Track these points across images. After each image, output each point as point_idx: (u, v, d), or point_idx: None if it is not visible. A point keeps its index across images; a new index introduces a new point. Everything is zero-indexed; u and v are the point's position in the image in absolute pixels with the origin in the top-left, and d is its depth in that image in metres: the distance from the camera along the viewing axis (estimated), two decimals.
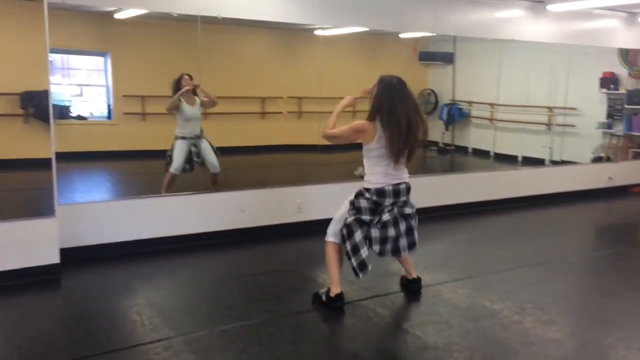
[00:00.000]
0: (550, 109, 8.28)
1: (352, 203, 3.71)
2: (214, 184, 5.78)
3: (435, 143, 9.37)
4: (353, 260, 3.64)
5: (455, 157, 9.27)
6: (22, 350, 3.17)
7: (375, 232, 3.64)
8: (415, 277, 4.12)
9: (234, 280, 4.34)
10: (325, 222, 3.86)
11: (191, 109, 5.66)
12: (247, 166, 7.56)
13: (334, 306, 3.76)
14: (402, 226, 3.73)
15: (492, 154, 8.12)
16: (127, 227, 4.88)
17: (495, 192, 7.14)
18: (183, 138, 5.67)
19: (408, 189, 3.74)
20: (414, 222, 3.82)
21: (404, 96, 3.58)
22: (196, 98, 5.70)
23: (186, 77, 5.61)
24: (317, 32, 6.19)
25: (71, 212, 4.58)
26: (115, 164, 7.19)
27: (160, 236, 5.01)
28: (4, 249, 4.07)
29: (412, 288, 4.11)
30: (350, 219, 3.67)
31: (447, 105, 9.02)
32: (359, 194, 3.71)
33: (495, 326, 3.56)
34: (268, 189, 5.60)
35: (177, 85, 5.62)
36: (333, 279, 3.80)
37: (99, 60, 7.45)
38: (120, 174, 7.23)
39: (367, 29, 6.47)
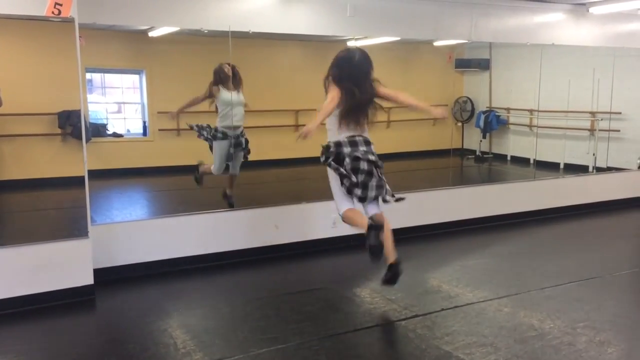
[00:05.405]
0: (592, 113, 7.97)
1: (325, 161, 3.95)
2: (231, 186, 5.57)
3: (473, 151, 9.15)
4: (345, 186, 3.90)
5: (493, 166, 9.04)
6: None
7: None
8: (393, 261, 3.90)
9: (269, 299, 4.23)
10: (362, 237, 3.74)
11: (229, 95, 5.46)
12: (281, 180, 7.49)
13: (373, 235, 3.72)
14: (365, 177, 3.86)
15: (532, 161, 7.86)
16: (161, 246, 4.84)
17: (538, 201, 6.88)
18: (224, 136, 5.52)
19: (366, 141, 3.95)
20: (381, 173, 3.96)
21: (353, 66, 3.90)
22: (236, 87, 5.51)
23: (227, 67, 5.40)
24: (349, 43, 6.09)
25: (105, 232, 4.56)
26: (150, 180, 7.22)
27: (193, 254, 4.95)
28: (38, 271, 4.06)
29: (393, 272, 3.89)
30: (333, 169, 3.92)
31: (484, 112, 8.81)
32: (322, 154, 3.96)
33: (546, 348, 3.35)
34: (302, 204, 5.50)
35: (218, 78, 5.45)
36: (361, 225, 3.83)
37: (135, 78, 7.53)
38: (155, 190, 7.25)
39: (399, 38, 6.34)
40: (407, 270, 4.88)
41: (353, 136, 3.93)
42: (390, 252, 3.92)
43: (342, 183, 3.91)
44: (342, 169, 3.88)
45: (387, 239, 3.89)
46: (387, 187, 4.00)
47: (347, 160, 3.87)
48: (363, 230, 3.81)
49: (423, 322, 3.77)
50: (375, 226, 3.75)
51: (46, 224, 5.35)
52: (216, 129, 5.59)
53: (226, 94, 5.49)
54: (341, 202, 3.99)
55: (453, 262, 5.18)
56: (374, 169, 3.92)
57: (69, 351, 3.45)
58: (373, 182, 3.90)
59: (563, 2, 6.64)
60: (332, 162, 3.90)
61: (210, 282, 4.70)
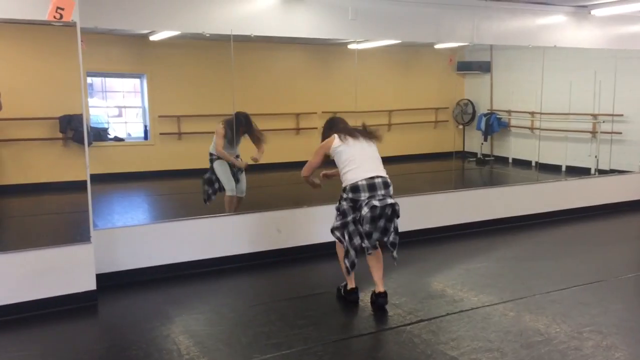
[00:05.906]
0: (594, 116, 7.96)
1: (337, 209, 4.07)
2: (237, 208, 5.64)
3: (474, 154, 9.13)
4: (346, 261, 4.03)
5: (494, 168, 9.02)
6: None
7: (359, 229, 3.92)
8: (382, 290, 4.06)
9: (272, 304, 4.20)
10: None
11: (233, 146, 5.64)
12: (282, 183, 7.47)
13: (349, 299, 4.15)
14: (385, 222, 3.93)
15: (534, 164, 7.84)
16: (163, 251, 4.82)
17: (541, 204, 6.85)
18: (220, 158, 5.61)
19: (385, 184, 3.93)
20: (396, 219, 3.99)
21: (342, 120, 4.26)
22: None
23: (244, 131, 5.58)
24: (350, 46, 6.08)
25: (107, 237, 4.54)
26: (152, 184, 7.21)
27: (196, 259, 4.93)
28: (41, 276, 4.03)
29: (378, 302, 4.05)
30: (337, 223, 4.04)
31: (485, 115, 8.79)
32: (340, 198, 4.04)
33: (552, 353, 3.33)
34: (304, 208, 5.47)
35: (231, 126, 5.51)
36: (343, 268, 4.10)
37: (136, 82, 7.51)
38: (157, 194, 7.23)
39: (400, 41, 6.33)
40: (410, 275, 4.89)
41: (372, 178, 3.89)
42: (380, 282, 4.10)
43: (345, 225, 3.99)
44: (350, 225, 3.95)
45: (379, 270, 4.10)
46: (394, 238, 4.00)
47: (365, 210, 3.83)
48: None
49: (428, 326, 3.74)
50: (353, 297, 4.13)
51: (48, 229, 5.32)
52: (212, 154, 5.64)
53: (230, 139, 5.61)
54: (338, 229, 4.07)
55: (457, 266, 5.16)
56: (389, 217, 3.92)
57: (71, 357, 3.42)
58: (381, 225, 3.94)
59: (565, 5, 6.63)
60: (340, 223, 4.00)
61: (213, 287, 4.67)
